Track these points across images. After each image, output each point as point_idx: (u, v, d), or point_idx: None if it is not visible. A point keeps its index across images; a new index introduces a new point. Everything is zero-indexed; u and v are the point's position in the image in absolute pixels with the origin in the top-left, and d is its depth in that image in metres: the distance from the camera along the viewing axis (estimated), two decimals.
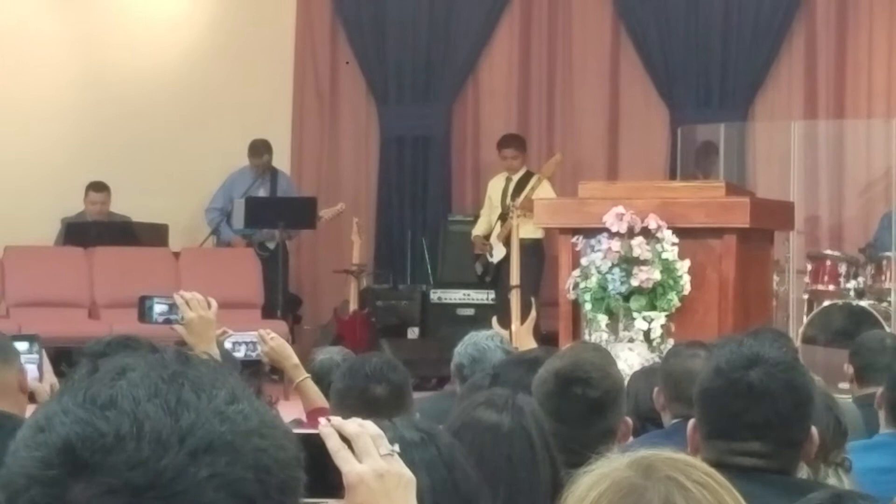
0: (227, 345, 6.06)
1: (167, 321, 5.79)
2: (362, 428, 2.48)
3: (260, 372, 11.18)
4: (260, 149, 16.02)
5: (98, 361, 1.68)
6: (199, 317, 5.71)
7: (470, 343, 7.17)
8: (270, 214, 15.55)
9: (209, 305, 5.76)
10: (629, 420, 5.03)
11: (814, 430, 4.23)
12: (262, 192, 15.92)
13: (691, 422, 4.27)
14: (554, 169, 14.84)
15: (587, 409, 4.79)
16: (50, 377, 5.97)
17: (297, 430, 2.41)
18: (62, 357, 12.83)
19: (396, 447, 2.52)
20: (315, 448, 2.32)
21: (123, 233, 15.39)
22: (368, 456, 2.43)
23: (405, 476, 2.48)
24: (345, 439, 2.44)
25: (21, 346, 5.89)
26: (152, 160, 15.88)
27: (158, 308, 5.83)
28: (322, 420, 2.44)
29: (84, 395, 1.56)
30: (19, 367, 5.60)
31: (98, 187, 15.37)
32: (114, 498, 1.49)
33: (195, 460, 1.51)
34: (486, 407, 3.84)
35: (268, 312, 14.74)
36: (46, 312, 13.94)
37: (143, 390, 1.55)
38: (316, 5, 17.28)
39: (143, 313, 5.88)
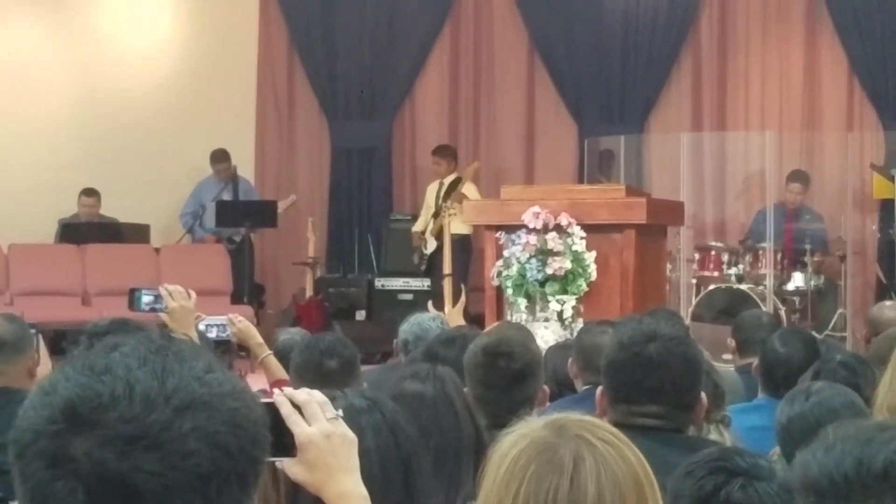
0: (201, 327, 6.04)
1: (153, 309, 5.83)
2: (311, 396, 2.48)
3: (230, 349, 11.15)
4: (220, 157, 15.99)
5: (96, 340, 1.72)
6: (181, 306, 5.74)
7: (415, 323, 7.17)
8: (238, 215, 15.54)
9: (189, 296, 5.78)
10: (546, 388, 5.03)
11: (703, 394, 4.24)
12: (226, 196, 15.86)
13: (599, 388, 4.28)
14: (472, 173, 14.85)
15: (510, 379, 4.79)
16: (46, 361, 5.94)
17: (262, 399, 2.40)
18: (60, 337, 12.84)
19: (340, 412, 2.52)
20: (272, 414, 2.33)
21: (111, 232, 15.33)
22: (316, 420, 2.43)
23: (348, 436, 2.49)
24: (297, 406, 2.44)
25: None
26: (136, 168, 15.83)
27: (146, 298, 5.86)
28: (276, 390, 2.45)
29: (83, 363, 1.59)
30: (32, 354, 5.60)
31: (89, 192, 15.32)
32: (109, 448, 1.51)
33: (179, 416, 1.54)
34: (412, 379, 3.85)
35: (235, 299, 14.70)
36: (45, 301, 13.88)
37: (134, 360, 1.58)
38: (275, 36, 17.23)
39: (132, 302, 5.92)
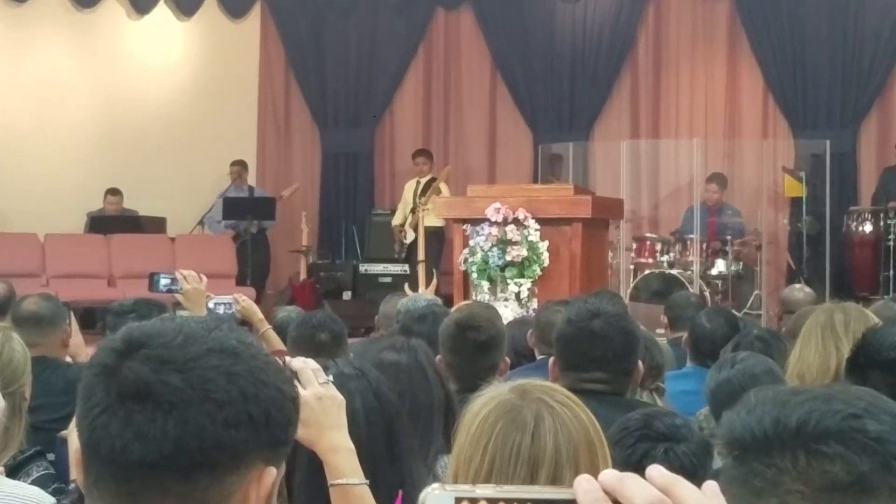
0: (210, 305, 6.02)
1: (169, 291, 5.81)
2: (305, 364, 2.48)
3: None
4: (238, 163, 16.05)
5: (125, 317, 1.78)
6: (194, 288, 5.73)
7: (410, 300, 7.15)
8: (241, 210, 15.52)
9: (201, 280, 5.77)
10: (507, 359, 5.04)
11: (640, 363, 4.25)
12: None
13: (552, 358, 4.28)
14: (446, 175, 14.85)
15: (477, 348, 4.80)
16: (77, 334, 5.94)
17: None
18: (89, 314, 12.84)
19: (331, 377, 2.52)
20: None
21: (133, 224, 15.31)
22: (310, 384, 2.44)
23: (338, 398, 2.49)
24: (294, 373, 2.43)
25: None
26: (154, 170, 15.79)
27: (163, 281, 5.84)
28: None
29: (157, 319, 1.68)
30: (65, 328, 5.60)
31: (114, 192, 15.38)
32: (146, 363, 1.57)
33: (210, 353, 1.59)
34: (389, 350, 3.85)
35: (240, 280, 14.67)
36: (76, 282, 13.86)
37: (193, 321, 1.66)
38: (273, 57, 17.19)
39: (152, 285, 5.90)
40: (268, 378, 1.62)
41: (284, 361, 2.49)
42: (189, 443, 1.54)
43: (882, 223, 13.69)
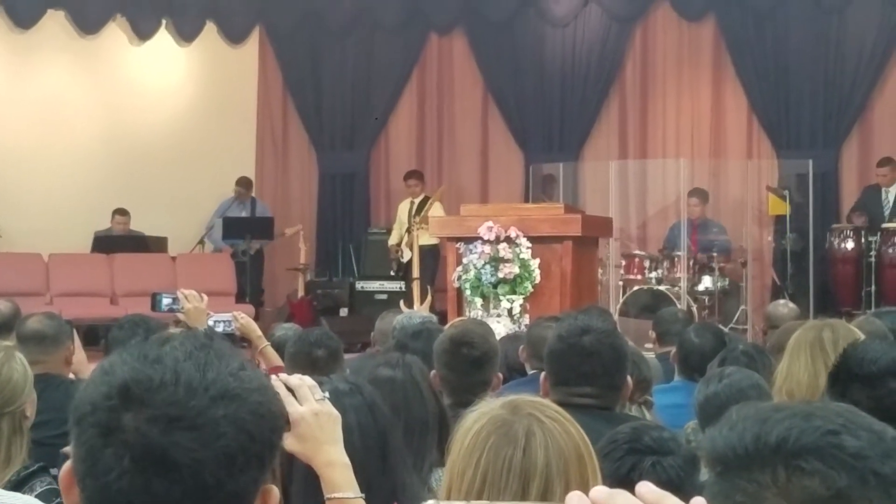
0: (210, 322, 6.02)
1: (171, 310, 5.83)
2: (302, 381, 2.49)
3: (234, 342, 11.10)
4: (244, 182, 16.11)
5: (115, 339, 1.74)
6: (195, 307, 5.75)
7: (405, 316, 7.15)
8: (241, 229, 15.53)
9: (202, 299, 5.79)
10: (500, 375, 5.04)
11: (629, 378, 4.25)
12: (243, 213, 15.96)
13: (543, 373, 4.28)
14: (441, 195, 14.86)
15: (471, 364, 4.81)
16: (80, 351, 5.93)
17: None
18: (92, 331, 12.83)
19: (327, 394, 2.53)
20: None
21: (137, 243, 15.33)
22: (306, 400, 2.45)
23: (333, 414, 2.50)
24: (290, 389, 2.44)
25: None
26: (155, 190, 15.80)
27: (165, 301, 5.86)
28: (273, 376, 2.46)
29: (139, 352, 1.60)
30: (68, 345, 5.60)
31: (122, 212, 15.40)
32: (154, 425, 1.53)
33: (214, 403, 1.55)
34: (384, 365, 3.85)
35: (239, 298, 14.67)
36: (79, 300, 13.86)
37: (182, 353, 1.60)
38: (272, 80, 17.22)
39: (154, 304, 5.92)
40: (266, 409, 1.61)
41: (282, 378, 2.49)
42: (205, 494, 1.54)
43: (864, 240, 13.72)
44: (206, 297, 5.82)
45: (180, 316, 5.75)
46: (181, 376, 1.56)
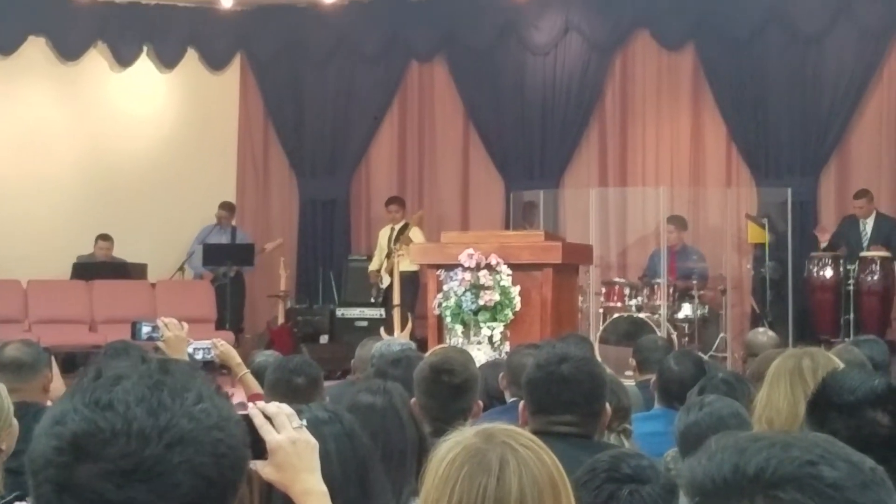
0: (189, 349, 5.99)
1: (151, 338, 5.79)
2: (279, 409, 2.48)
3: (213, 369, 11.07)
4: (227, 206, 16.14)
5: (101, 365, 1.67)
6: (175, 336, 5.71)
7: (384, 344, 7.12)
8: (221, 256, 15.50)
9: (182, 327, 5.76)
10: (480, 402, 5.03)
11: (607, 405, 4.25)
12: (224, 239, 15.94)
13: (522, 401, 4.27)
14: (419, 220, 14.87)
15: (451, 391, 4.80)
16: (58, 379, 5.90)
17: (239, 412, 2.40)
18: (70, 358, 12.78)
19: (304, 422, 2.53)
20: (248, 424, 2.33)
21: (117, 270, 15.29)
22: (284, 428, 2.44)
23: (311, 442, 2.50)
24: (268, 417, 2.44)
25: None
26: (135, 217, 15.82)
27: (145, 329, 5.83)
28: (251, 404, 2.45)
29: (90, 397, 1.55)
30: (46, 373, 5.57)
31: (105, 237, 15.41)
32: (108, 479, 1.49)
33: (170, 451, 1.51)
34: (365, 392, 3.84)
35: (219, 325, 14.63)
36: (58, 327, 13.83)
37: (133, 396, 1.54)
38: (252, 106, 17.23)
39: (134, 333, 5.90)
40: (226, 445, 1.57)
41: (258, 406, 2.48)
42: None
43: (842, 268, 13.77)
44: (186, 326, 5.79)
45: (160, 344, 5.72)
46: (133, 425, 1.52)
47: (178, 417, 1.54)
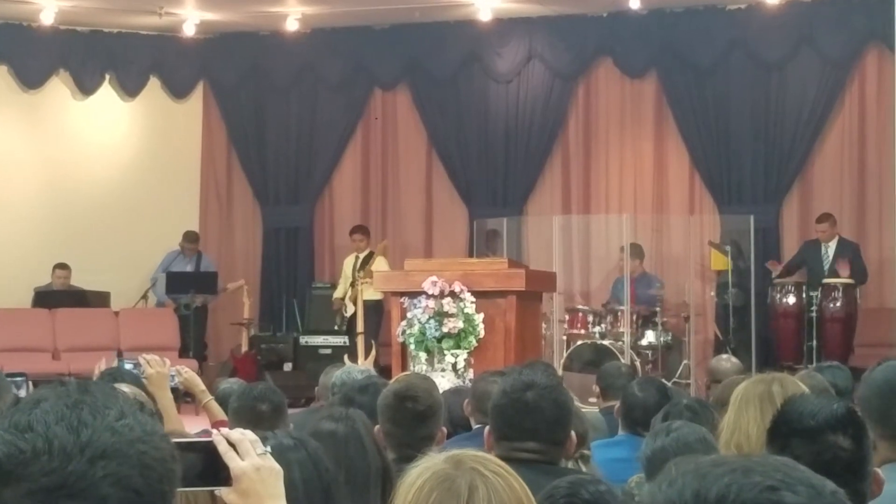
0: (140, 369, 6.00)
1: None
2: (243, 435, 2.48)
3: (177, 396, 11.02)
4: (191, 237, 16.15)
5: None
6: (158, 372, 5.76)
7: (344, 372, 7.11)
8: (184, 284, 15.48)
9: (164, 363, 5.81)
10: (444, 429, 5.03)
11: (573, 432, 4.26)
12: (189, 268, 15.92)
13: (487, 428, 4.28)
14: (383, 249, 14.87)
15: (415, 418, 4.80)
16: None
17: (202, 438, 2.41)
18: (34, 387, 12.66)
19: (269, 448, 2.52)
20: (212, 451, 2.32)
21: (78, 298, 15.23)
22: (248, 455, 2.43)
23: (275, 468, 2.49)
24: (232, 444, 2.43)
25: (18, 379, 6.32)
26: (97, 245, 15.77)
27: (127, 366, 5.90)
28: (215, 430, 2.44)
29: (9, 421, 1.53)
30: (9, 398, 5.55)
31: (62, 266, 15.37)
32: (34, 498, 1.47)
33: (93, 465, 1.49)
34: (328, 419, 3.84)
35: (183, 353, 14.58)
36: (21, 356, 13.71)
37: (52, 416, 1.53)
38: (215, 135, 17.22)
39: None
40: (151, 457, 1.56)
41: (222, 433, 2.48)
42: None
43: (805, 295, 13.85)
44: (168, 361, 5.85)
45: (143, 381, 5.72)
46: (54, 442, 1.50)
47: (100, 432, 1.52)
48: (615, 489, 3.21)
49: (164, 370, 5.77)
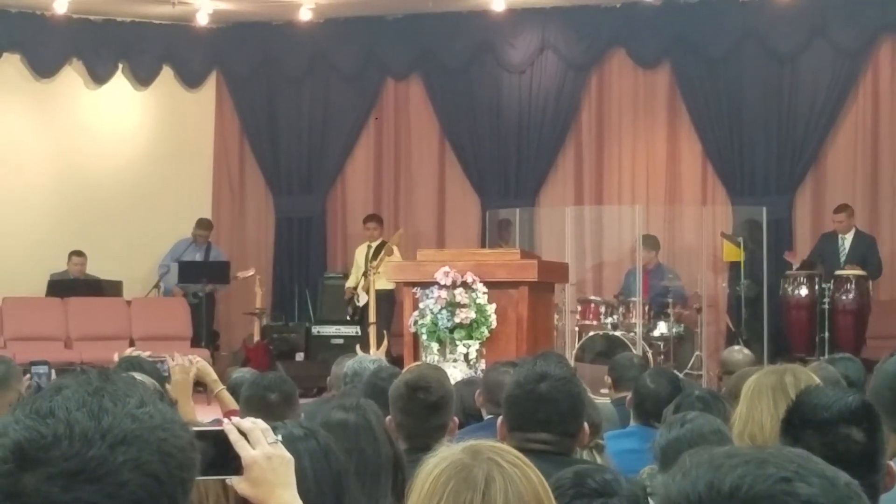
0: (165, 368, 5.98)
1: None
2: (255, 424, 2.48)
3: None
4: (203, 224, 16.18)
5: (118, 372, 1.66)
6: (182, 380, 5.75)
7: (356, 361, 7.11)
8: (197, 273, 15.49)
9: (192, 368, 5.79)
10: (456, 419, 5.03)
11: (585, 424, 4.25)
12: (198, 257, 15.92)
13: (500, 419, 4.28)
14: (398, 239, 14.86)
15: (427, 409, 4.79)
16: None
17: (214, 427, 2.41)
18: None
19: (280, 437, 2.52)
20: (223, 440, 2.33)
21: (92, 287, 15.26)
22: (259, 444, 2.43)
23: (286, 457, 2.49)
24: (243, 433, 2.43)
25: (42, 368, 6.33)
26: (111, 234, 15.80)
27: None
28: (226, 420, 2.44)
29: (30, 408, 1.55)
30: (18, 389, 5.57)
31: (78, 254, 15.40)
32: (55, 482, 1.48)
33: (113, 451, 1.50)
34: (338, 409, 3.83)
35: (194, 342, 14.60)
36: (33, 344, 13.75)
37: (74, 402, 1.54)
38: (228, 125, 17.21)
39: None
40: (172, 445, 1.56)
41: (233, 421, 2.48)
42: None
43: (817, 287, 13.82)
44: (195, 368, 5.84)
45: (167, 386, 5.69)
46: (75, 428, 1.51)
47: (121, 419, 1.53)
48: (622, 478, 3.20)
49: (189, 378, 5.76)
